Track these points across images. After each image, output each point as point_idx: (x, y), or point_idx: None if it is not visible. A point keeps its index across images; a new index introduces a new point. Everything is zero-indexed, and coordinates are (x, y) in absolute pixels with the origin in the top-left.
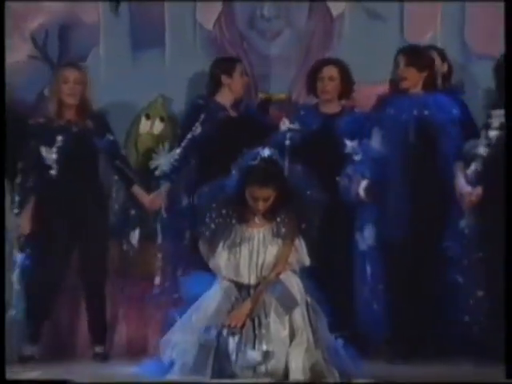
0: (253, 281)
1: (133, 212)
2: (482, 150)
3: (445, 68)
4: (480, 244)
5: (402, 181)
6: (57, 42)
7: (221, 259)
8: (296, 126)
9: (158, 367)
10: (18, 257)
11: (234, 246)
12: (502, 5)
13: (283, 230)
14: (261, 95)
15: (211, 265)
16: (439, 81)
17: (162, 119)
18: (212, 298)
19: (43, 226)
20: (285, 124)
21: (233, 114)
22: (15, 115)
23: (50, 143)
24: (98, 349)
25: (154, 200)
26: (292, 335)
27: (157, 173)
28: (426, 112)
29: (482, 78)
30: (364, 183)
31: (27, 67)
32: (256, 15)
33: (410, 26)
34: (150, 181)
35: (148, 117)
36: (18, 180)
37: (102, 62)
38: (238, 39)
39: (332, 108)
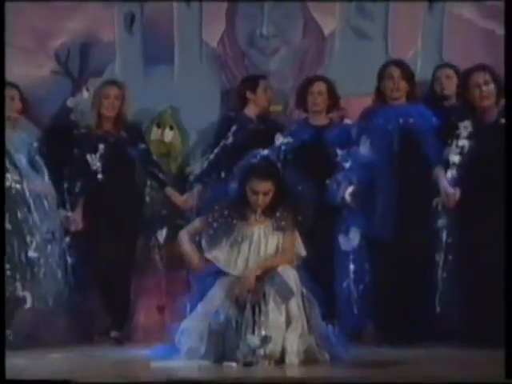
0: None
1: (163, 212)
2: (455, 158)
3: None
4: (457, 244)
5: (388, 183)
6: (77, 58)
7: (221, 254)
8: (288, 139)
9: (167, 351)
10: (69, 251)
11: (235, 244)
12: (477, 22)
13: (283, 223)
14: None
15: (212, 258)
16: (454, 96)
17: (171, 128)
18: (218, 290)
19: (89, 222)
20: (278, 139)
21: (260, 125)
22: (42, 125)
23: (93, 151)
24: (114, 334)
25: (186, 200)
26: (288, 322)
27: (191, 177)
28: (411, 120)
29: None
30: (350, 189)
31: (51, 81)
32: (256, 34)
33: (394, 45)
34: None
35: (158, 125)
36: (66, 184)
37: (117, 76)
38: (239, 56)
39: (321, 120)
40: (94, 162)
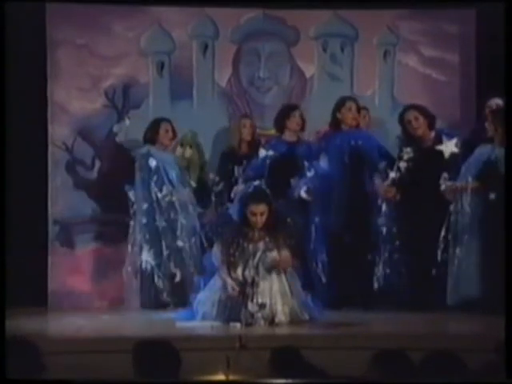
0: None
1: None
2: (394, 174)
3: None
4: (396, 234)
5: (341, 188)
6: (121, 95)
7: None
8: (269, 152)
9: (188, 314)
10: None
11: (240, 257)
12: (418, 69)
13: (279, 241)
14: (258, 131)
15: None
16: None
17: (190, 146)
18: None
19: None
20: (262, 153)
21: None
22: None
23: (239, 164)
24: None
25: None
26: (276, 290)
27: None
28: (359, 142)
29: None
30: (305, 188)
31: (101, 113)
32: (255, 76)
33: (358, 85)
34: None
35: (181, 145)
36: (215, 188)
37: (151, 108)
38: (242, 93)
39: (292, 138)
40: (239, 172)
